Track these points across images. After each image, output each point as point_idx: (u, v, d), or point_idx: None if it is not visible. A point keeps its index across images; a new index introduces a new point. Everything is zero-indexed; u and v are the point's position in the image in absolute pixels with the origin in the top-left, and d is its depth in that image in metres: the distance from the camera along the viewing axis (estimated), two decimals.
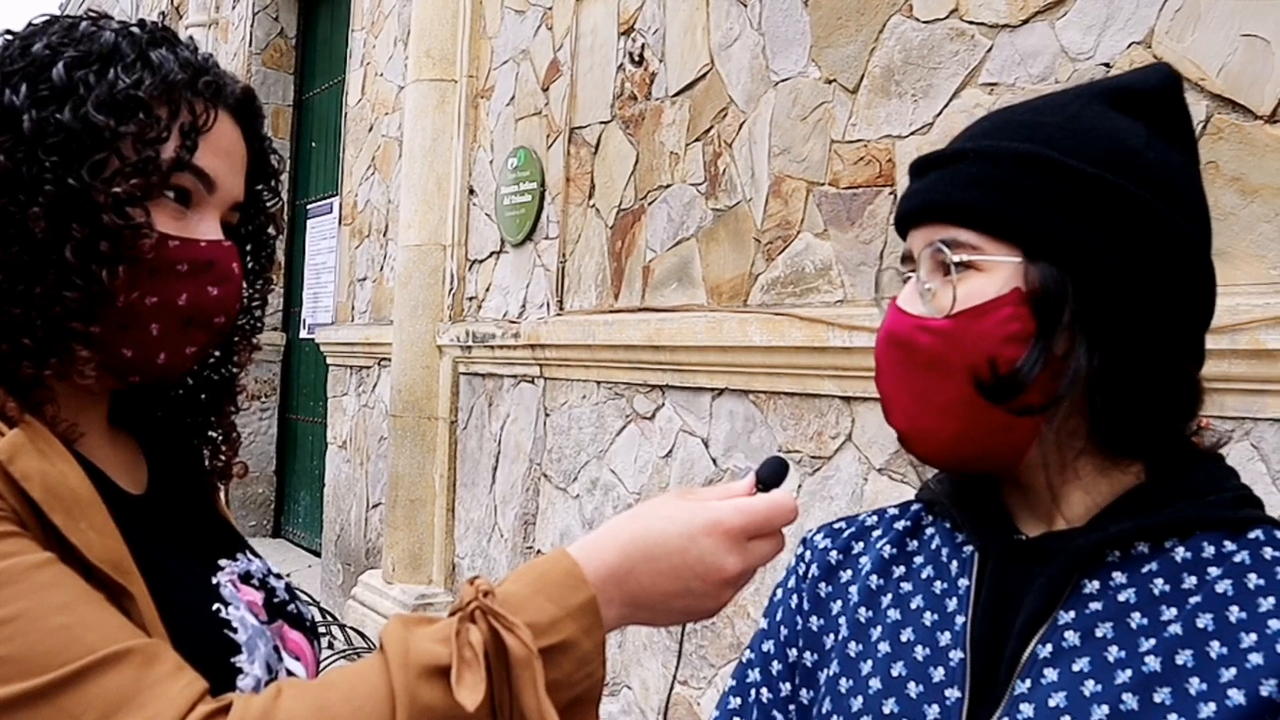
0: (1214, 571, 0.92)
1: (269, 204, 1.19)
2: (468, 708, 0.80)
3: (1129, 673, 0.89)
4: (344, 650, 5.18)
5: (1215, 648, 0.87)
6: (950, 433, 0.97)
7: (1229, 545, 0.93)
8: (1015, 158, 0.96)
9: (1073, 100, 1.00)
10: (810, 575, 1.16)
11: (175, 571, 1.02)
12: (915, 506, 1.15)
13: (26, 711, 0.80)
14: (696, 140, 3.53)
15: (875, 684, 1.02)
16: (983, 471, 1.02)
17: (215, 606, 1.04)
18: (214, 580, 1.08)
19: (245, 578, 1.12)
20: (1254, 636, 0.86)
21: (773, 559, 0.95)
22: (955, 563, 1.05)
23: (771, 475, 0.98)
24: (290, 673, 1.09)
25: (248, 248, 1.18)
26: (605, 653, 0.88)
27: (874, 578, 1.10)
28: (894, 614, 1.06)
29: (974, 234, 0.96)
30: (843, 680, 1.06)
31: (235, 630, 1.03)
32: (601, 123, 4.06)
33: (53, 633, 0.82)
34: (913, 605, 1.05)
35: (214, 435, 1.22)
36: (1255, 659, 0.85)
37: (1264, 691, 0.83)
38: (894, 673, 1.02)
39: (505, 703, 0.82)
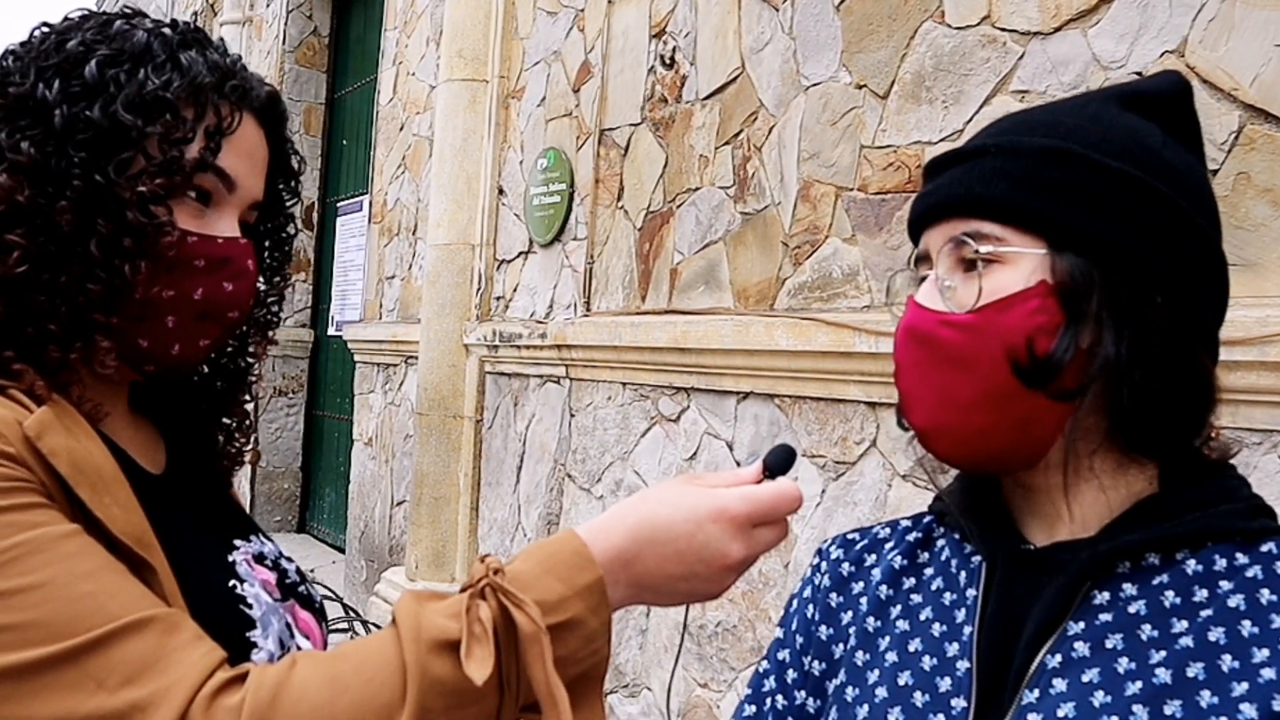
0: (1225, 585, 0.91)
1: (288, 204, 1.23)
2: (476, 681, 0.82)
3: (1139, 684, 0.88)
4: None
5: (1227, 661, 0.87)
6: (973, 429, 0.96)
7: (1241, 558, 0.92)
8: (1038, 151, 0.95)
9: (1089, 102, 1.01)
10: (823, 586, 1.16)
11: (193, 548, 1.05)
12: (928, 518, 1.15)
13: (53, 674, 0.82)
14: (726, 144, 3.53)
15: (881, 693, 1.02)
16: (1002, 471, 1.02)
17: (231, 583, 1.08)
18: (229, 558, 1.11)
19: (259, 558, 1.16)
20: (1266, 652, 0.86)
21: (776, 545, 0.97)
22: (964, 573, 1.04)
23: (778, 463, 0.99)
24: (300, 649, 1.11)
25: (266, 244, 1.22)
26: (611, 631, 0.91)
27: (884, 588, 1.10)
28: (902, 624, 1.06)
29: (997, 226, 0.95)
30: (849, 689, 1.06)
31: (250, 606, 1.07)
32: (631, 125, 4.07)
33: (78, 599, 0.85)
34: (921, 616, 1.05)
35: (228, 422, 1.25)
36: (1268, 674, 0.85)
37: (1276, 707, 0.83)
38: (900, 682, 1.01)
39: (513, 677, 0.85)
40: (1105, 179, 0.94)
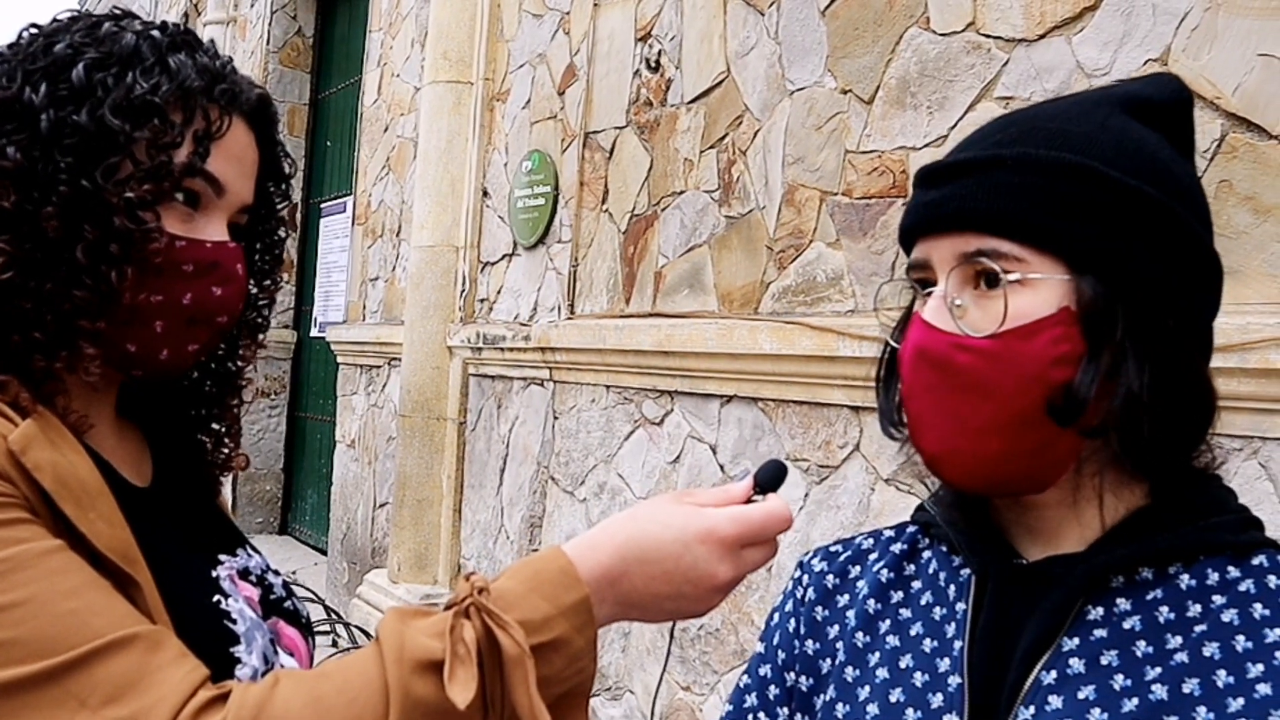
0: (1219, 600, 0.90)
1: (279, 207, 1.21)
2: (459, 705, 0.81)
3: (1135, 701, 0.87)
4: (348, 649, 5.19)
5: (1222, 677, 0.86)
6: (987, 455, 0.92)
7: (1233, 571, 0.92)
8: (1060, 168, 0.91)
9: (1094, 108, 0.97)
10: (807, 599, 1.14)
11: (178, 562, 1.04)
12: (911, 529, 1.13)
13: (35, 693, 0.81)
14: (711, 147, 3.54)
15: (873, 709, 1.00)
16: (1011, 496, 0.98)
17: (215, 598, 1.07)
18: (214, 573, 1.10)
19: (243, 574, 1.15)
20: (1261, 667, 0.85)
21: (765, 565, 0.96)
22: (953, 587, 1.03)
23: (769, 479, 0.98)
24: (284, 666, 1.11)
25: (257, 247, 1.20)
26: (597, 648, 0.90)
27: (871, 602, 1.08)
28: (892, 640, 1.04)
29: (1017, 246, 0.91)
30: (839, 705, 1.04)
31: (234, 621, 1.06)
32: (616, 128, 4.07)
33: (61, 617, 0.84)
34: (911, 631, 1.03)
35: (217, 428, 1.24)
36: (1264, 689, 0.84)
37: None
38: (892, 699, 1.00)
39: (497, 699, 0.84)
40: (1125, 199, 0.90)
